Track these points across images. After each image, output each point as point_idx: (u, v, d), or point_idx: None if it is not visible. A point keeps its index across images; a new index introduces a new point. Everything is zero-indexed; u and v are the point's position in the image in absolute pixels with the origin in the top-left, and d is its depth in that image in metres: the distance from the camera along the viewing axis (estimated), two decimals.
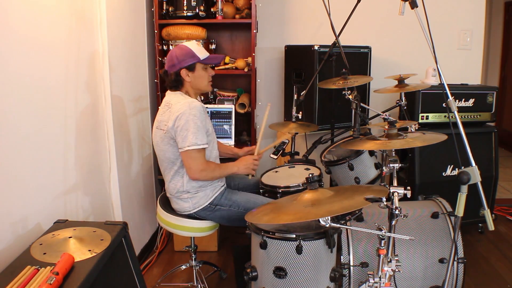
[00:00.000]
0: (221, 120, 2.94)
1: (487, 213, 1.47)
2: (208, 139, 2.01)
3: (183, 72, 2.04)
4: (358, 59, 3.06)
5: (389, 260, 1.54)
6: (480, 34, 3.41)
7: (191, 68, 2.04)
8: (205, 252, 2.89)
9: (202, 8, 2.89)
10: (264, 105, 3.48)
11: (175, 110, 1.97)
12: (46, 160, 1.77)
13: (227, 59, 3.11)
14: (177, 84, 2.07)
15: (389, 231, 1.51)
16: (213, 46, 3.12)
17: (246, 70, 3.03)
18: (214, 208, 2.10)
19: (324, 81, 2.57)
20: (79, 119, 2.04)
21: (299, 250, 1.58)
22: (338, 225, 1.47)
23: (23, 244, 1.52)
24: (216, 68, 3.04)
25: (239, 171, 2.10)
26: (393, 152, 2.18)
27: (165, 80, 2.11)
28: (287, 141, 2.57)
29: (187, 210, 2.11)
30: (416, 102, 2.86)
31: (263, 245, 1.63)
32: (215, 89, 3.22)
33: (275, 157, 2.51)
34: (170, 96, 2.09)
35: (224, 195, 2.12)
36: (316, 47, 2.84)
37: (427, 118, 2.90)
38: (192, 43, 2.08)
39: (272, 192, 2.13)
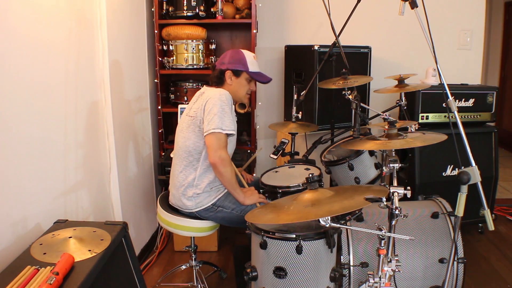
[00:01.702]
0: None
1: (487, 213, 1.47)
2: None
3: (228, 73, 2.11)
4: (358, 59, 3.06)
5: (389, 260, 1.54)
6: (480, 34, 3.41)
7: (237, 73, 2.11)
8: (205, 252, 2.89)
9: (202, 8, 2.89)
10: (264, 105, 3.49)
11: (206, 96, 2.04)
12: (46, 160, 1.77)
13: None
14: (218, 81, 2.14)
15: (389, 231, 1.51)
16: (213, 46, 3.11)
17: None
18: (217, 210, 2.10)
19: (324, 81, 2.57)
20: (79, 119, 2.04)
21: (299, 250, 1.57)
22: (338, 225, 1.47)
23: (23, 244, 1.52)
24: None
25: (245, 201, 2.06)
26: (393, 152, 2.18)
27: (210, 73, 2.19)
28: (286, 141, 2.57)
29: (190, 209, 2.10)
30: (416, 102, 2.86)
31: (263, 245, 1.62)
32: None
33: (275, 157, 2.51)
34: (206, 88, 2.16)
35: (228, 198, 2.11)
36: (316, 47, 2.84)
37: (427, 118, 2.90)
38: (250, 53, 2.17)
39: (272, 192, 2.13)
